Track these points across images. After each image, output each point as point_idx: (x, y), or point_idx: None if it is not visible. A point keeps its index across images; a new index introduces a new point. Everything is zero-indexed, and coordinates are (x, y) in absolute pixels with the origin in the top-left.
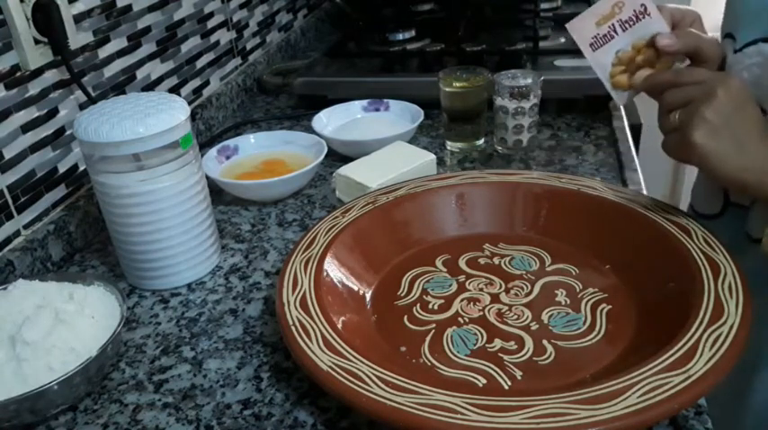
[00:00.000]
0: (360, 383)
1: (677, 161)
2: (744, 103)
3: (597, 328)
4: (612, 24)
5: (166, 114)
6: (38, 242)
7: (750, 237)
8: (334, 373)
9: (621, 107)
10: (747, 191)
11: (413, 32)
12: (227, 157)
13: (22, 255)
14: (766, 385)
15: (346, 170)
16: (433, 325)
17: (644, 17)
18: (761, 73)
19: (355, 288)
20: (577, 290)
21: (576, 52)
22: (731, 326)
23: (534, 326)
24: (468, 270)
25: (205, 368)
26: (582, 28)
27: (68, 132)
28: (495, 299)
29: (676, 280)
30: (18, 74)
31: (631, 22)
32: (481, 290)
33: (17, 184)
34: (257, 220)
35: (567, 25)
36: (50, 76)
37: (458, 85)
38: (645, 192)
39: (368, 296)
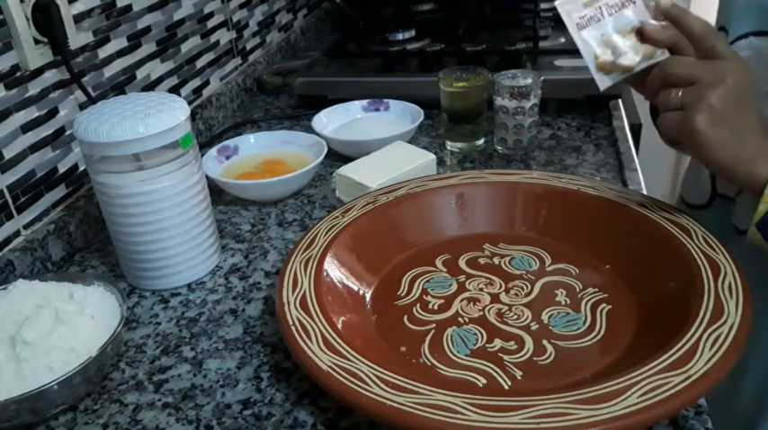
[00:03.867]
0: (360, 383)
1: (669, 141)
2: (748, 94)
3: (597, 328)
4: (600, 7)
5: (166, 114)
6: (38, 242)
7: (737, 230)
8: (334, 373)
9: (621, 106)
10: (735, 180)
11: (413, 32)
12: (227, 157)
13: (22, 255)
14: (758, 373)
15: (346, 170)
16: (433, 325)
17: (629, 5)
18: (752, 65)
19: (355, 288)
20: (577, 290)
21: (575, 52)
22: (731, 327)
23: (534, 327)
24: (468, 270)
25: (205, 368)
26: (570, 7)
27: (68, 132)
28: (495, 299)
29: (676, 280)
30: (18, 74)
31: (617, 8)
32: (481, 290)
33: (17, 184)
34: (257, 220)
35: (555, 3)
36: (50, 76)
37: (458, 85)
38: (645, 192)
39: (368, 296)
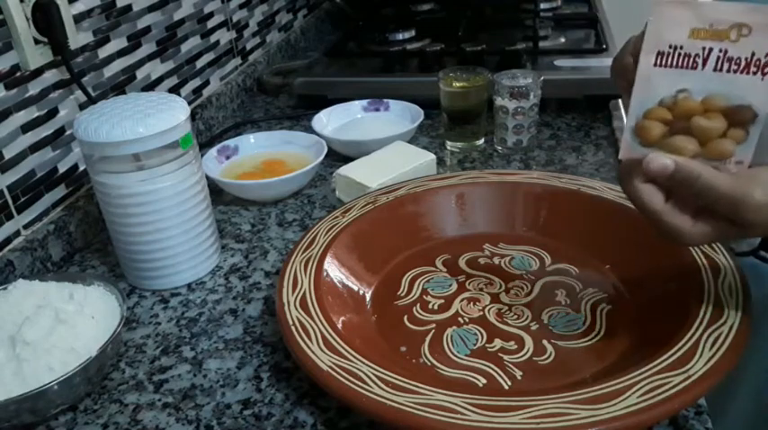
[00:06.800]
0: (360, 383)
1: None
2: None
3: (597, 328)
4: (711, 48)
5: (166, 114)
6: (38, 242)
7: (732, 250)
8: (334, 373)
9: (621, 107)
10: None
11: (413, 32)
12: (227, 157)
13: (22, 255)
14: (758, 373)
15: (346, 170)
16: (433, 325)
17: (758, 73)
18: None
19: (355, 288)
20: (577, 290)
21: (575, 52)
22: (731, 327)
23: (534, 326)
24: (468, 270)
25: (205, 368)
26: (669, 20)
27: (68, 132)
28: (494, 298)
29: (676, 280)
30: (18, 74)
31: (736, 67)
32: (481, 290)
33: (17, 184)
34: (257, 220)
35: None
36: (50, 76)
37: (458, 85)
38: None
39: (368, 296)
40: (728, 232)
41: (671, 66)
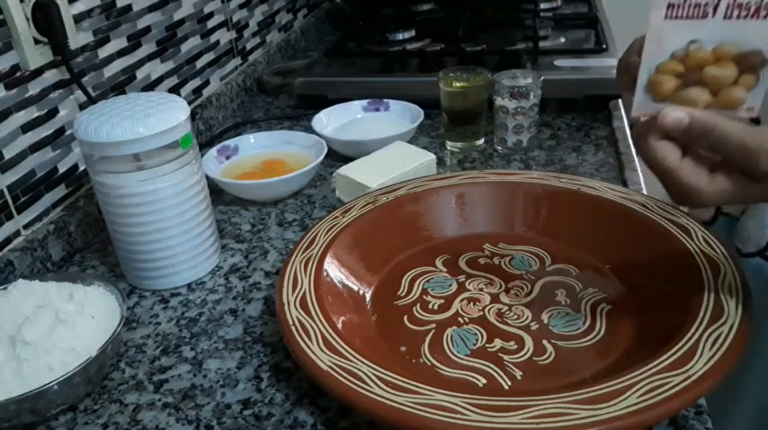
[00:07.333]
0: (360, 383)
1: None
2: None
3: (597, 328)
4: None
5: (166, 114)
6: (38, 242)
7: (738, 251)
8: (334, 373)
9: (622, 107)
10: None
11: (413, 32)
12: (227, 157)
13: (22, 255)
14: (761, 375)
15: (346, 170)
16: (433, 325)
17: (767, 18)
18: None
19: (355, 288)
20: (577, 290)
21: (575, 52)
22: (731, 327)
23: (534, 326)
24: (468, 270)
25: (205, 368)
26: None
27: (68, 132)
28: (495, 299)
29: (676, 280)
30: (18, 74)
31: (746, 12)
32: (481, 290)
33: (17, 184)
34: (257, 220)
35: None
36: (50, 76)
37: (458, 85)
38: (645, 192)
39: (368, 296)
40: (746, 188)
41: (682, 17)
